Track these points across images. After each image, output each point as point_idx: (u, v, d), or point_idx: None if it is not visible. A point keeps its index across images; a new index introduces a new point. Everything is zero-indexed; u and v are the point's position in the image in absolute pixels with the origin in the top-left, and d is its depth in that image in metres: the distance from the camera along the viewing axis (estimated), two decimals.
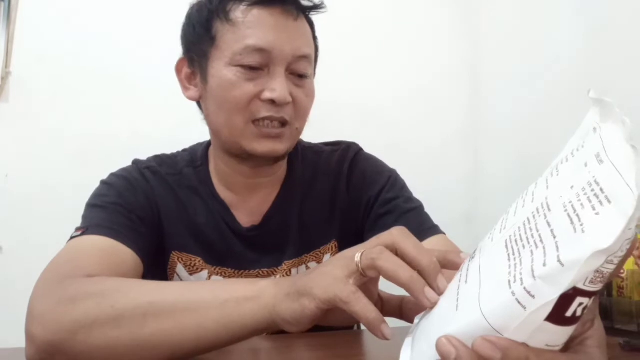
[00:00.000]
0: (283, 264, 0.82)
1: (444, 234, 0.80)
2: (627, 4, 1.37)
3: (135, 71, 1.68)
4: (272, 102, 0.73)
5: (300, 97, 0.76)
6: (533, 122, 1.72)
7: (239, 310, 0.51)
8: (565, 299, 0.32)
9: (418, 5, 2.03)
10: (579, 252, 0.31)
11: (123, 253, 0.68)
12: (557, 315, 0.32)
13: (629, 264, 0.75)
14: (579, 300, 0.32)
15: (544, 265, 0.32)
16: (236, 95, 0.73)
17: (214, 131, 0.80)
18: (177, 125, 1.34)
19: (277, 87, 0.73)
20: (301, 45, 0.76)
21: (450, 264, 0.47)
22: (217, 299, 0.52)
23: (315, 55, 0.82)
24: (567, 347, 0.37)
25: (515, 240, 0.37)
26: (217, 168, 0.83)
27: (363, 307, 0.45)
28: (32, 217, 1.58)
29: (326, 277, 0.47)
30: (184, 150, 0.88)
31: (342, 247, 0.84)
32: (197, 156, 0.85)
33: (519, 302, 0.33)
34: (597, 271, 0.31)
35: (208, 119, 0.80)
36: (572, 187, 0.34)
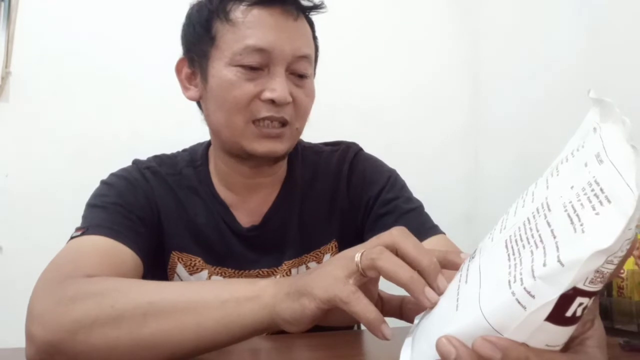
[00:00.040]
0: (283, 264, 0.82)
1: (444, 234, 0.80)
2: (627, 4, 1.37)
3: (135, 71, 1.68)
4: (272, 102, 0.73)
5: (301, 97, 0.76)
6: (533, 122, 1.72)
7: (239, 310, 0.51)
8: (565, 299, 0.32)
9: (418, 5, 2.03)
10: (579, 252, 0.31)
11: (123, 253, 0.68)
12: (557, 315, 0.32)
13: (629, 264, 0.75)
14: (579, 300, 0.32)
15: (544, 265, 0.32)
16: (236, 95, 0.73)
17: (214, 131, 0.80)
18: (177, 125, 1.34)
19: (277, 87, 0.73)
20: (301, 45, 0.76)
21: (450, 264, 0.47)
22: (217, 298, 0.52)
23: (315, 55, 0.82)
24: (567, 347, 0.37)
25: (515, 240, 0.37)
26: (217, 168, 0.83)
27: (363, 307, 0.45)
28: (32, 217, 1.58)
29: (326, 277, 0.47)
30: (184, 150, 0.88)
31: (342, 247, 0.84)
32: (197, 156, 0.85)
33: (519, 302, 0.33)
34: (597, 271, 0.31)
35: (208, 119, 0.79)
36: (572, 187, 0.34)
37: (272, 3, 0.74)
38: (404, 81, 1.98)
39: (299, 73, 0.76)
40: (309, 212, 0.84)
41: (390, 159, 0.91)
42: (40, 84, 1.63)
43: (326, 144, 0.92)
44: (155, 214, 0.78)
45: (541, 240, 0.34)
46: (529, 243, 0.35)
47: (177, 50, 0.82)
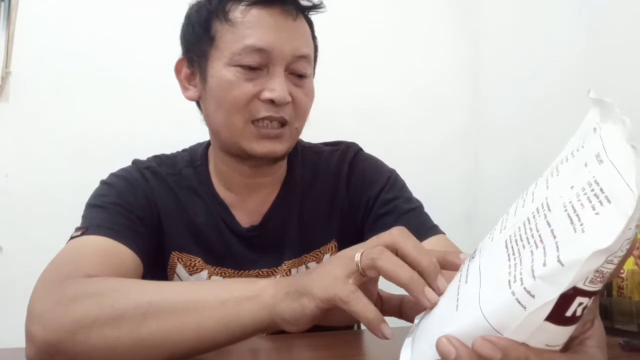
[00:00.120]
0: (283, 264, 0.82)
1: (444, 234, 0.80)
2: (627, 4, 1.37)
3: (135, 71, 1.68)
4: (272, 102, 0.73)
5: (300, 97, 0.76)
6: (533, 122, 1.72)
7: (239, 310, 0.51)
8: (565, 299, 0.32)
9: (418, 5, 2.03)
10: (579, 252, 0.31)
11: (123, 253, 0.68)
12: (557, 315, 0.32)
13: (629, 264, 0.75)
14: (578, 300, 0.32)
15: (544, 265, 0.32)
16: (235, 95, 0.73)
17: (213, 131, 0.80)
18: (177, 126, 1.34)
19: (277, 87, 0.73)
20: (300, 45, 0.76)
21: (449, 265, 0.47)
22: (217, 298, 0.52)
23: (315, 55, 0.82)
24: (567, 347, 0.37)
25: (515, 240, 0.37)
26: (217, 168, 0.83)
27: (363, 306, 0.45)
28: (32, 217, 1.58)
29: (326, 276, 0.47)
30: (184, 151, 0.88)
31: (341, 247, 0.83)
32: (196, 156, 0.85)
33: (519, 302, 0.33)
34: (597, 271, 0.31)
35: (207, 119, 0.79)
36: (572, 187, 0.34)
37: (271, 3, 0.74)
38: (404, 81, 1.98)
39: (298, 73, 0.76)
40: (308, 212, 0.84)
41: (390, 159, 0.91)
42: (40, 84, 1.63)
43: (326, 144, 0.92)
44: (155, 214, 0.78)
45: (541, 240, 0.34)
46: (529, 243, 0.35)
47: (176, 51, 0.82)
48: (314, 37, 0.81)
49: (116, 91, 1.67)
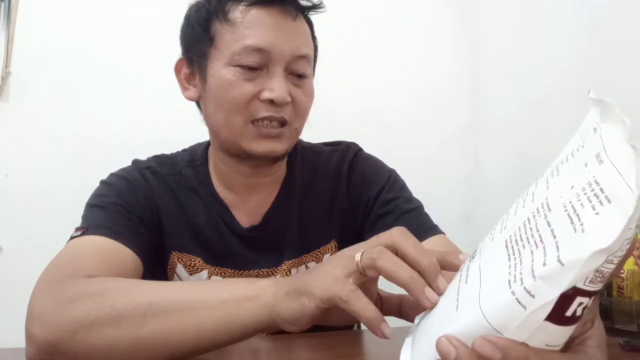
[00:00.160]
0: (283, 264, 0.82)
1: (444, 234, 0.80)
2: (627, 3, 1.37)
3: (135, 71, 1.68)
4: (271, 102, 0.73)
5: (300, 97, 0.76)
6: (533, 122, 1.72)
7: (239, 310, 0.51)
8: (565, 299, 0.32)
9: (418, 5, 2.03)
10: (579, 252, 0.31)
11: (123, 253, 0.68)
12: (557, 314, 0.32)
13: (629, 264, 0.75)
14: (578, 299, 0.32)
15: (544, 265, 0.32)
16: (235, 95, 0.73)
17: (213, 131, 0.80)
18: (177, 126, 1.34)
19: (276, 87, 0.73)
20: (300, 45, 0.76)
21: (449, 266, 0.47)
22: (217, 298, 0.52)
23: (315, 55, 0.82)
24: (567, 347, 0.37)
25: (516, 240, 0.37)
26: (217, 168, 0.83)
27: (362, 306, 0.45)
28: (32, 217, 1.58)
29: (326, 276, 0.47)
30: (184, 151, 0.88)
31: (341, 247, 0.83)
32: (196, 156, 0.85)
33: (519, 302, 0.33)
34: (597, 271, 0.31)
35: (207, 119, 0.79)
36: (572, 187, 0.34)
37: (270, 3, 0.74)
38: (404, 81, 1.98)
39: (298, 73, 0.76)
40: (308, 212, 0.84)
41: (390, 159, 0.91)
42: (40, 84, 1.63)
43: (326, 144, 0.92)
44: (155, 214, 0.78)
45: (541, 240, 0.34)
46: (529, 243, 0.35)
47: (176, 51, 0.82)
48: (313, 37, 0.81)
49: (116, 91, 1.67)
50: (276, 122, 0.74)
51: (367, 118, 1.88)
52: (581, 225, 0.32)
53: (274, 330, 0.51)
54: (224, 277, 0.80)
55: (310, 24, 0.81)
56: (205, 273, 0.80)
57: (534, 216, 0.36)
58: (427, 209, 0.84)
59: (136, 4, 1.71)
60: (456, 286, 0.41)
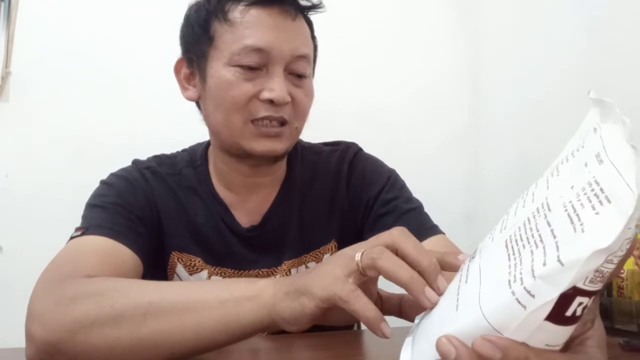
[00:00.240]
0: (282, 264, 0.82)
1: (444, 234, 0.80)
2: (627, 3, 1.37)
3: (135, 71, 1.68)
4: (271, 102, 0.73)
5: (299, 97, 0.76)
6: (533, 122, 1.72)
7: (239, 310, 0.51)
8: (565, 299, 0.32)
9: (418, 5, 2.03)
10: (578, 252, 0.31)
11: (123, 253, 0.68)
12: (557, 314, 0.32)
13: (629, 264, 0.75)
14: (578, 299, 0.32)
15: (544, 264, 0.32)
16: (234, 95, 0.73)
17: (213, 131, 0.80)
18: (177, 126, 1.34)
19: (276, 87, 0.73)
20: (299, 45, 0.76)
21: (448, 266, 0.47)
22: (217, 298, 0.52)
23: (314, 55, 0.82)
24: (567, 347, 0.37)
25: (516, 240, 0.37)
26: (217, 168, 0.83)
27: (362, 305, 0.45)
28: (32, 217, 1.58)
29: (325, 275, 0.47)
30: (184, 151, 0.88)
31: (341, 247, 0.83)
32: (196, 156, 0.85)
33: (519, 302, 0.33)
34: (597, 271, 0.31)
35: (207, 119, 0.79)
36: (572, 187, 0.34)
37: (270, 3, 0.74)
38: (404, 81, 1.98)
39: (298, 73, 0.76)
40: (308, 212, 0.84)
41: (390, 159, 0.91)
42: (40, 84, 1.63)
43: (326, 144, 0.92)
44: (155, 214, 0.78)
45: (541, 240, 0.34)
46: (529, 243, 0.35)
47: (176, 51, 0.82)
48: (313, 37, 0.81)
49: (116, 91, 1.67)
50: (276, 121, 0.74)
51: (367, 118, 1.88)
52: (581, 225, 0.32)
53: (274, 330, 0.51)
54: (223, 277, 0.80)
55: (309, 23, 0.81)
56: (205, 273, 0.80)
57: (534, 216, 0.36)
58: (427, 209, 0.84)
59: (136, 4, 1.71)
60: (456, 286, 0.41)
